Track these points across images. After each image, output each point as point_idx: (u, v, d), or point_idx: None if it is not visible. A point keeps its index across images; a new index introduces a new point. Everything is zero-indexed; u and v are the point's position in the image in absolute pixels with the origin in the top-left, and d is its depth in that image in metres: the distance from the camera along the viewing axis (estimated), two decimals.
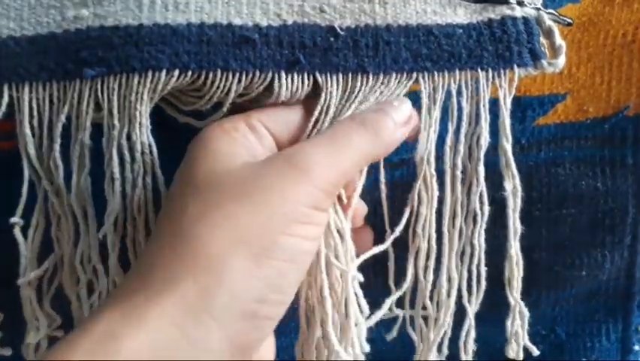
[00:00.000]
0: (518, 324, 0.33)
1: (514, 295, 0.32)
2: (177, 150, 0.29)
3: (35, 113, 0.30)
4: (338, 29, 0.31)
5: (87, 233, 0.30)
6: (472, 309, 0.32)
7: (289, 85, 0.30)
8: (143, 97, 0.29)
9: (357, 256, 0.30)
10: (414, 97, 0.31)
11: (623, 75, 0.35)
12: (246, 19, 0.30)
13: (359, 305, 0.29)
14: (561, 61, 0.31)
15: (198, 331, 0.23)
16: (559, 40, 0.32)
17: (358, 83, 0.30)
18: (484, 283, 0.32)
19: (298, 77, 0.30)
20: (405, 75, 0.31)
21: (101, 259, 0.30)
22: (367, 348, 0.29)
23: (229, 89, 0.30)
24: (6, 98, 0.29)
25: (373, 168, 0.32)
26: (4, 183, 0.31)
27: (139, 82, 0.29)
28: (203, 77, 0.29)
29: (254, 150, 0.28)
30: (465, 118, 0.31)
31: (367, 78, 0.30)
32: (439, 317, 0.32)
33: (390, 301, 0.33)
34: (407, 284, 0.32)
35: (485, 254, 0.32)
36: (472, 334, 0.33)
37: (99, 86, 0.29)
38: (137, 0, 0.30)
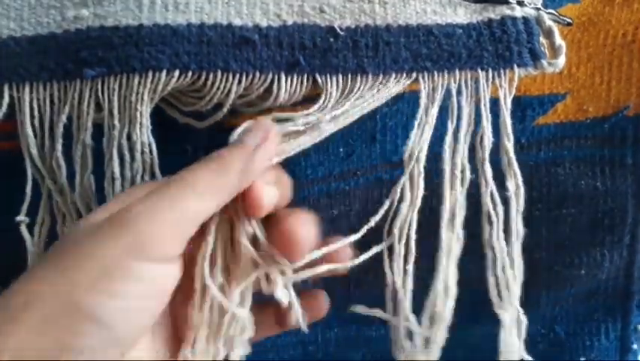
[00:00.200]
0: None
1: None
2: (177, 150, 0.29)
3: (36, 113, 0.30)
4: (338, 30, 0.31)
5: None
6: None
7: (288, 87, 0.30)
8: (143, 97, 0.29)
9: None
10: (413, 96, 0.31)
11: (623, 75, 0.35)
12: (246, 20, 0.30)
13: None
14: (561, 61, 0.31)
15: None
16: (559, 40, 0.32)
17: (357, 84, 0.30)
18: (519, 283, 0.30)
19: (298, 78, 0.30)
20: (404, 75, 0.31)
21: None
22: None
23: (229, 90, 0.30)
24: (7, 99, 0.30)
25: (373, 168, 0.32)
26: (5, 183, 0.31)
27: (139, 82, 0.29)
28: (203, 77, 0.29)
29: None
30: (465, 118, 0.31)
31: (367, 78, 0.30)
32: (431, 334, 0.28)
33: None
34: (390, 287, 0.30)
35: (483, 252, 0.32)
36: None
37: (99, 87, 0.29)
38: (137, 0, 0.30)
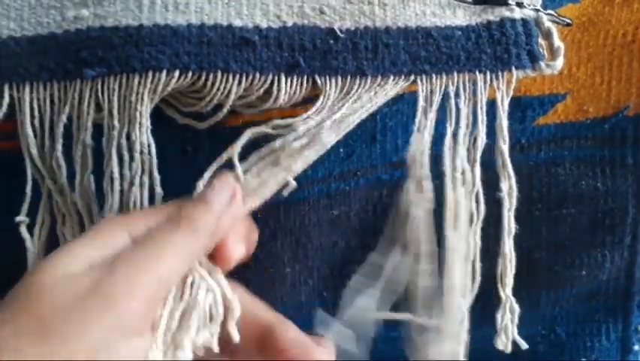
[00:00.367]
0: (508, 318, 0.33)
1: (506, 291, 0.32)
2: (177, 150, 0.29)
3: (36, 113, 0.30)
4: (338, 31, 0.31)
5: None
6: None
7: (288, 88, 0.30)
8: (143, 98, 0.29)
9: None
10: (413, 96, 0.31)
11: (623, 75, 0.35)
12: (246, 21, 0.30)
13: None
14: (559, 63, 0.31)
15: None
16: (557, 41, 0.32)
17: (356, 86, 0.30)
18: (478, 279, 0.32)
19: (298, 79, 0.30)
20: (403, 77, 0.31)
21: None
22: None
23: (229, 91, 0.30)
24: (7, 99, 0.30)
25: (373, 169, 0.32)
26: (5, 183, 0.31)
27: (139, 82, 0.29)
28: (203, 78, 0.29)
29: None
30: (463, 120, 0.31)
31: (365, 80, 0.30)
32: (443, 326, 0.30)
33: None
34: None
35: (486, 255, 0.32)
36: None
37: (99, 87, 0.29)
38: (137, 0, 0.30)
